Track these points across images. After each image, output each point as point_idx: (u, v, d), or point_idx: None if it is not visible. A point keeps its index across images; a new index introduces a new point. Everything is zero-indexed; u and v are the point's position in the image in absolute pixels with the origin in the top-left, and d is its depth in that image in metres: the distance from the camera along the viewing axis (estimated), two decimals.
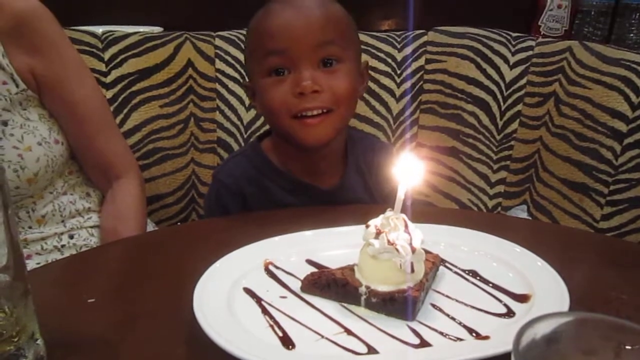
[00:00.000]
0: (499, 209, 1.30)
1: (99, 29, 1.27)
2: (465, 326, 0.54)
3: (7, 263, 0.46)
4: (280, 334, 0.53)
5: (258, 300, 0.59)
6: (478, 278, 0.63)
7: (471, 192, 1.32)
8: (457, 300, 0.59)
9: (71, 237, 0.95)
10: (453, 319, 0.56)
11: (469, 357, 0.48)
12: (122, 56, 1.20)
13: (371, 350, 0.51)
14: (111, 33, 1.22)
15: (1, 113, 0.86)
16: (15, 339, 0.47)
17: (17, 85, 0.88)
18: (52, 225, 0.93)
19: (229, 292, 0.59)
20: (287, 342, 0.52)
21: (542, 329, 0.36)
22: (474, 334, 0.53)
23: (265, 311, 0.57)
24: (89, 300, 0.61)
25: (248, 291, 0.60)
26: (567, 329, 0.37)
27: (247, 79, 0.96)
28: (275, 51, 0.81)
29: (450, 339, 0.53)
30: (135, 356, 0.53)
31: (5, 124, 0.86)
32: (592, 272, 0.68)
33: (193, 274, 0.60)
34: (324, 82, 0.81)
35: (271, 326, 0.55)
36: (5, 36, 0.87)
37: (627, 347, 0.36)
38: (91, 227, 0.98)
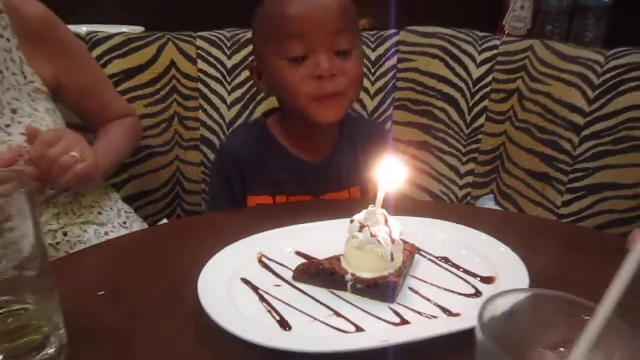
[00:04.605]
0: (468, 198, 1.33)
1: (82, 28, 1.27)
2: (439, 306, 0.58)
3: (32, 254, 0.49)
4: (278, 318, 0.57)
5: (255, 289, 0.62)
6: (449, 264, 0.67)
7: (442, 184, 1.35)
8: (431, 284, 0.63)
9: (65, 234, 0.98)
10: (428, 299, 0.60)
11: (443, 332, 0.52)
12: (107, 57, 1.21)
13: (358, 329, 0.55)
14: (95, 34, 1.22)
15: (11, 101, 0.91)
16: (42, 329, 0.51)
17: (25, 77, 0.93)
18: (47, 216, 0.96)
19: (228, 282, 0.62)
20: (284, 324, 0.56)
21: (502, 305, 0.38)
22: (446, 312, 0.57)
23: (262, 298, 0.60)
24: (99, 293, 0.64)
25: (245, 281, 0.64)
26: (524, 304, 0.40)
27: (252, 61, 0.98)
28: (296, 35, 0.84)
29: (426, 317, 0.57)
30: (147, 343, 0.56)
31: (14, 111, 0.91)
32: (553, 256, 0.72)
33: (191, 266, 0.63)
34: (339, 67, 0.85)
35: (269, 311, 0.58)
36: (24, 39, 0.94)
37: (577, 318, 0.37)
38: (83, 223, 1.01)
